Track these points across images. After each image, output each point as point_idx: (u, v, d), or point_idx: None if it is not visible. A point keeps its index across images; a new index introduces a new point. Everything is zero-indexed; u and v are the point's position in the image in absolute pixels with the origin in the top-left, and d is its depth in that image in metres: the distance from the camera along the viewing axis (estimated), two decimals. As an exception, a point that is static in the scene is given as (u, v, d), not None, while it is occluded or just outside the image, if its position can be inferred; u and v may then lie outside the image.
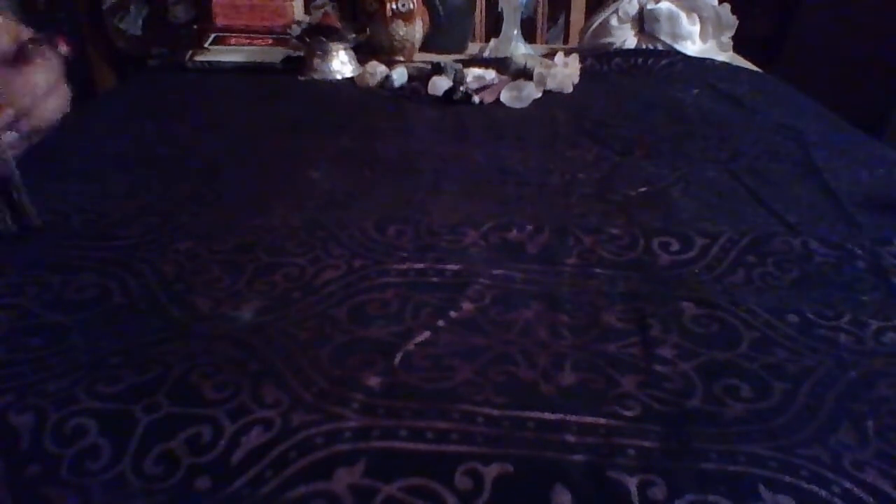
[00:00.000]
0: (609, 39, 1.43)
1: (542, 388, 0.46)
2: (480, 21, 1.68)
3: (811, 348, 0.50)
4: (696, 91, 1.18)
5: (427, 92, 1.14)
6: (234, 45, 1.41)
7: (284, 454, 0.39)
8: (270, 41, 1.42)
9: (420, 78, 1.19)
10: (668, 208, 0.73)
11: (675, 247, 0.64)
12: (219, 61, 1.32)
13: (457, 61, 1.23)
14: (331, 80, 1.26)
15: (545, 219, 0.69)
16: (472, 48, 1.54)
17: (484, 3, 1.66)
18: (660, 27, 1.39)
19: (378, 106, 1.12)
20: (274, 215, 0.69)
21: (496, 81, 1.17)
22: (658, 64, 1.32)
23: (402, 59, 1.36)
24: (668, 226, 0.68)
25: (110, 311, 0.53)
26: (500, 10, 1.47)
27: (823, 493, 0.38)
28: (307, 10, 1.50)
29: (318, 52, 1.27)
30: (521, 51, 1.39)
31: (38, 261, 0.60)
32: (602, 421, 0.43)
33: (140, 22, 1.82)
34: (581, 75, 1.23)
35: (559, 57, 1.25)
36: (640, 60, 1.34)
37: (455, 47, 1.50)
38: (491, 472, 0.39)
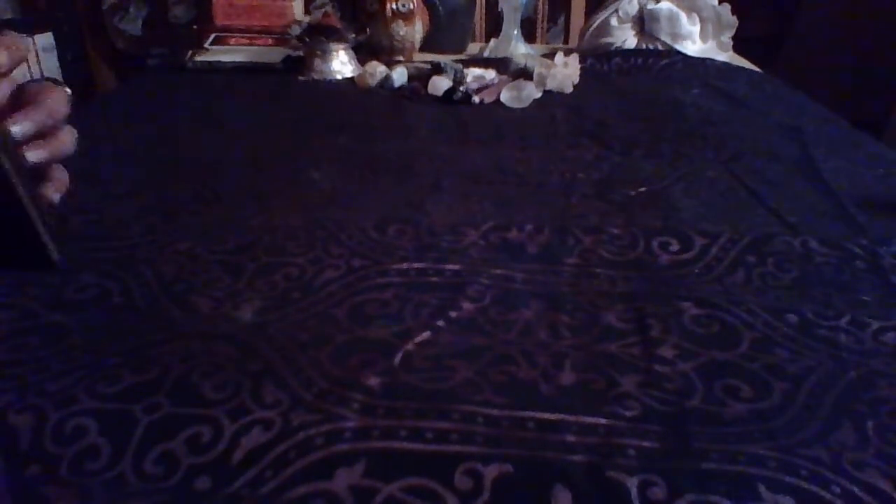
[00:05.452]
0: (609, 39, 1.43)
1: (542, 388, 0.46)
2: (480, 21, 1.68)
3: (811, 348, 0.50)
4: (696, 91, 1.18)
5: (427, 92, 1.14)
6: (234, 45, 1.41)
7: (284, 454, 0.39)
8: (270, 41, 1.42)
9: (420, 78, 1.19)
10: (668, 208, 0.73)
11: (675, 247, 0.64)
12: (219, 61, 1.32)
13: (457, 61, 1.24)
14: (331, 80, 1.26)
15: (545, 219, 0.69)
16: (472, 48, 1.55)
17: (484, 3, 1.66)
18: (660, 27, 1.39)
19: (378, 106, 1.12)
20: (274, 215, 0.69)
21: (496, 81, 1.17)
22: (658, 64, 1.32)
23: (402, 59, 1.36)
24: (668, 226, 0.68)
25: (110, 311, 0.53)
26: (500, 10, 1.47)
27: (823, 493, 0.38)
28: (307, 10, 1.50)
29: (318, 52, 1.27)
30: (521, 51, 1.39)
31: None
32: (602, 421, 0.43)
33: (140, 22, 1.82)
34: (581, 75, 1.23)
35: (559, 57, 1.25)
36: (640, 60, 1.34)
37: (455, 47, 1.50)
38: (491, 472, 0.39)
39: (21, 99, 0.29)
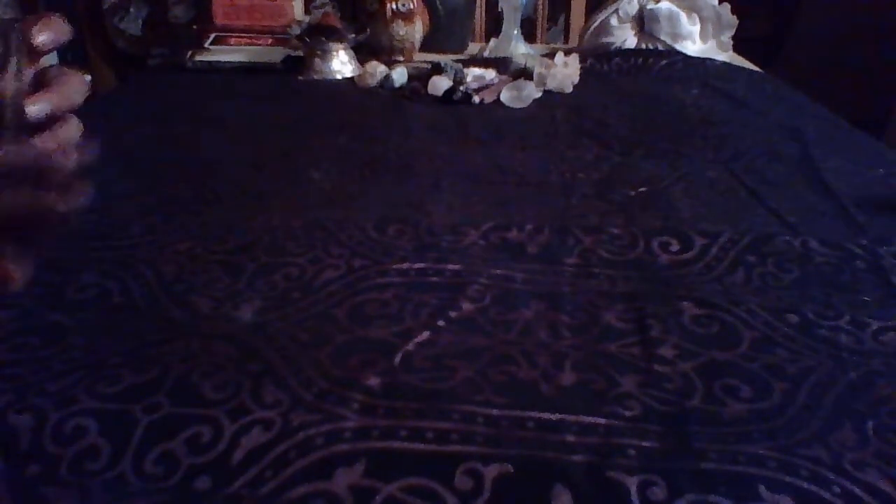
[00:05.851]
0: (609, 39, 1.43)
1: (542, 388, 0.46)
2: (480, 21, 1.68)
3: (811, 348, 0.50)
4: (696, 91, 1.18)
5: (427, 92, 1.14)
6: (234, 45, 1.41)
7: (284, 454, 0.39)
8: (270, 41, 1.42)
9: (420, 78, 1.19)
10: (668, 208, 0.73)
11: (675, 247, 0.64)
12: (219, 61, 1.32)
13: (457, 61, 1.23)
14: (331, 80, 1.25)
15: (545, 219, 0.69)
16: (472, 48, 1.54)
17: (484, 3, 1.66)
18: (660, 27, 1.39)
19: (378, 106, 1.12)
20: (274, 215, 0.69)
21: (496, 81, 1.17)
22: (658, 64, 1.32)
23: (402, 59, 1.36)
24: (668, 226, 0.68)
25: (110, 311, 0.53)
26: (500, 10, 1.47)
27: (823, 493, 0.38)
28: (307, 10, 1.50)
29: (318, 52, 1.27)
30: (521, 51, 1.39)
31: (38, 260, 0.60)
32: (602, 421, 0.43)
33: (140, 22, 1.82)
34: (581, 75, 1.23)
35: (559, 57, 1.25)
36: (640, 60, 1.34)
37: (455, 47, 1.50)
38: (491, 472, 0.39)
39: (42, 81, 0.30)
